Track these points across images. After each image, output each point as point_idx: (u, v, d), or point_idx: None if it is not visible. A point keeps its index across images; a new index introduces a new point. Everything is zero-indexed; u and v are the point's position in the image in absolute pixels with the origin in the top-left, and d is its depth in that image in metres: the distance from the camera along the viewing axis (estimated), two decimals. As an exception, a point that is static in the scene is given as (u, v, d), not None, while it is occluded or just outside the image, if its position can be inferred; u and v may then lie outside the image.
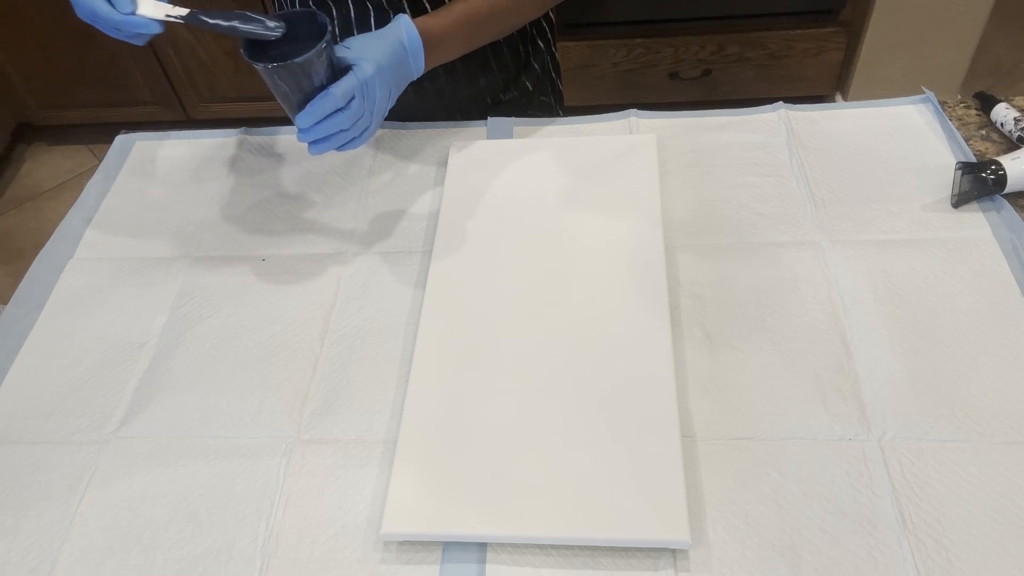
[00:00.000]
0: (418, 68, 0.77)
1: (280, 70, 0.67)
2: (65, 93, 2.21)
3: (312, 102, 0.69)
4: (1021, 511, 0.59)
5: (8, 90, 2.21)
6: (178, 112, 2.24)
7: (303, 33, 0.69)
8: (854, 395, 0.67)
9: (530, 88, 1.03)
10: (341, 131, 0.71)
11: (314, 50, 0.66)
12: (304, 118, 0.69)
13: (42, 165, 2.37)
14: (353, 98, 0.70)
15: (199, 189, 0.92)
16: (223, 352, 0.75)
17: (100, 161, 1.16)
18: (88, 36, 2.07)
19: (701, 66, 2.03)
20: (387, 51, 0.73)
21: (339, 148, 0.73)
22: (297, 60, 0.66)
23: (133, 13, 0.68)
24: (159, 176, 0.95)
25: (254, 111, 2.21)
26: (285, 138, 0.97)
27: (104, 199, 0.93)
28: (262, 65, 0.67)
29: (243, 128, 0.99)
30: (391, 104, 0.76)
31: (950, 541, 0.58)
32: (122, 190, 0.94)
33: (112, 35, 0.71)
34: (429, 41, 0.77)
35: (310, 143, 0.71)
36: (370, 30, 0.87)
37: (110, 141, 1.01)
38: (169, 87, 2.17)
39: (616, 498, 0.60)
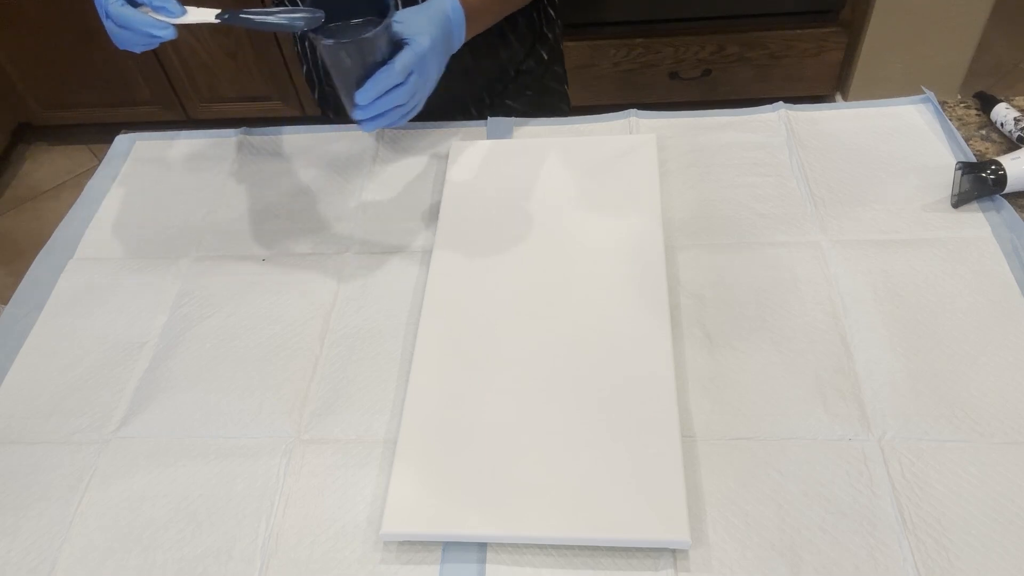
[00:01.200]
0: (460, 40, 0.77)
1: (349, 46, 0.65)
2: (65, 93, 2.22)
3: (373, 78, 0.68)
4: (1021, 511, 0.59)
5: (8, 90, 2.21)
6: (178, 112, 2.24)
7: (347, 7, 0.68)
8: (854, 395, 0.67)
9: (545, 57, 1.03)
10: (397, 106, 0.70)
11: (382, 25, 0.65)
12: (364, 94, 0.68)
13: (42, 165, 2.37)
14: (411, 73, 0.69)
15: (199, 189, 0.92)
16: (223, 352, 0.75)
17: (100, 161, 1.16)
18: (88, 36, 2.07)
19: (701, 66, 2.03)
20: (437, 24, 0.72)
21: (390, 124, 0.72)
22: (367, 36, 0.65)
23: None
24: (159, 176, 0.95)
25: (254, 111, 2.21)
26: (285, 138, 0.97)
27: (104, 199, 0.93)
28: (332, 42, 0.65)
29: (243, 128, 0.99)
30: (439, 77, 0.75)
31: (950, 541, 0.58)
32: (122, 190, 0.94)
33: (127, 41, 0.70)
34: (470, 13, 0.77)
35: (365, 120, 0.71)
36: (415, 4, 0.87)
37: (110, 141, 1.01)
38: (169, 87, 2.17)
39: (616, 498, 0.60)
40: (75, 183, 2.29)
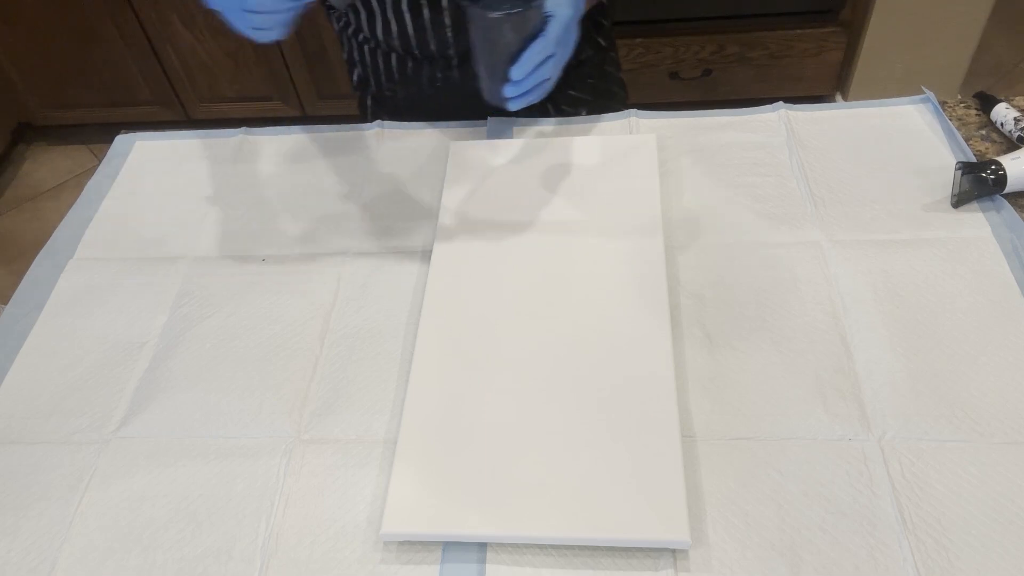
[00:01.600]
0: (582, 11, 0.75)
1: (515, 17, 0.64)
2: (65, 93, 2.22)
3: (529, 50, 0.66)
4: (1021, 511, 0.59)
5: (8, 90, 2.21)
6: (178, 112, 2.24)
7: None
8: (854, 395, 0.67)
9: (603, 44, 1.03)
10: (545, 80, 0.69)
11: None
12: (520, 68, 0.66)
13: (42, 165, 2.37)
14: (559, 44, 0.68)
15: (199, 189, 0.92)
16: (223, 352, 0.76)
17: (100, 161, 1.16)
18: (88, 36, 2.07)
19: (701, 66, 2.03)
20: None
21: (533, 100, 0.70)
22: (534, 6, 0.63)
23: None
24: (159, 176, 0.95)
25: (254, 111, 2.21)
26: (285, 138, 0.97)
27: (104, 199, 0.93)
28: (500, 14, 0.64)
29: (243, 128, 0.99)
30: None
31: (950, 541, 0.58)
32: (122, 190, 0.94)
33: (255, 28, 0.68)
34: None
35: (516, 96, 0.69)
36: None
37: (110, 141, 1.01)
38: (169, 87, 2.18)
39: (616, 498, 0.60)
40: (75, 183, 2.29)
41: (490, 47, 0.67)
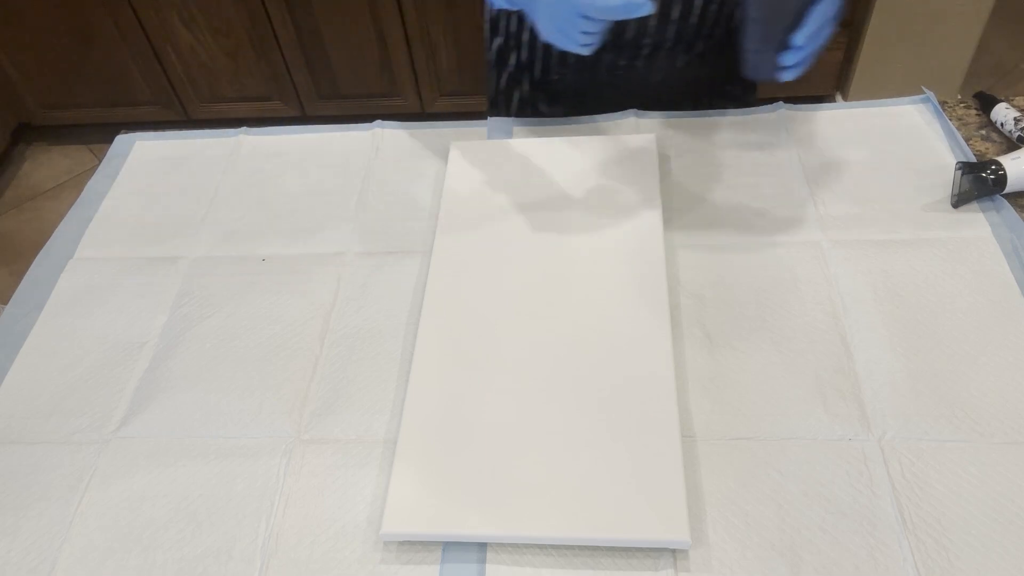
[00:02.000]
0: None
1: None
2: (65, 93, 2.22)
3: (814, 12, 0.65)
4: (1021, 511, 0.59)
5: (8, 90, 2.21)
6: (178, 112, 2.24)
7: None
8: (854, 395, 0.67)
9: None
10: (816, 48, 0.68)
11: None
12: (804, 33, 0.66)
13: (42, 165, 2.37)
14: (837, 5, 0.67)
15: (199, 189, 0.92)
16: (223, 352, 0.76)
17: (100, 161, 1.16)
18: (88, 36, 2.07)
19: (701, 66, 2.03)
20: None
21: (804, 72, 0.69)
22: None
23: None
24: (159, 176, 0.95)
25: (254, 111, 2.21)
26: (285, 138, 0.97)
27: (104, 199, 0.93)
28: None
29: (243, 128, 0.99)
30: None
31: (950, 541, 0.58)
32: (122, 190, 0.94)
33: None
34: None
35: (793, 65, 0.68)
36: None
37: (110, 141, 1.01)
38: (169, 87, 2.18)
39: (616, 498, 0.60)
40: (75, 183, 2.29)
41: (774, 13, 0.67)
